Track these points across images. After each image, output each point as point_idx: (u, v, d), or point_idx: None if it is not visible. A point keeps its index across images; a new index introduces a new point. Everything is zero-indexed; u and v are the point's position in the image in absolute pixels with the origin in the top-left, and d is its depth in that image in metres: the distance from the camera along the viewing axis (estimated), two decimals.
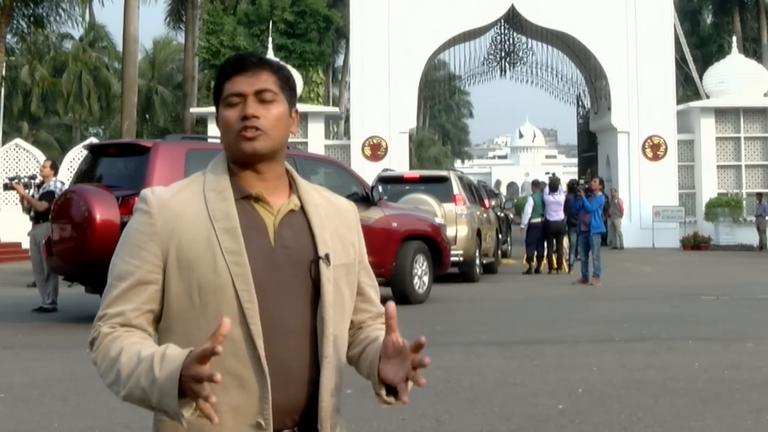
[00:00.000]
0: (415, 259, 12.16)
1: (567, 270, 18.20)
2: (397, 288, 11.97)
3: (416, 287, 12.20)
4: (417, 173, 17.48)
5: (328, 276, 1.82)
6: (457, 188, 15.78)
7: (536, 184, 19.07)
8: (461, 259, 15.24)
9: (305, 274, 1.82)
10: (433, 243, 12.55)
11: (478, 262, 16.31)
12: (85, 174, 10.31)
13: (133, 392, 1.65)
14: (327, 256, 1.82)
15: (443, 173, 16.95)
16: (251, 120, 1.79)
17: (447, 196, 15.46)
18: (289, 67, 1.96)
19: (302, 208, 1.87)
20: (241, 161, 1.84)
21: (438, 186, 15.77)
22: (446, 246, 12.91)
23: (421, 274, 12.31)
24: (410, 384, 1.76)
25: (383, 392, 1.79)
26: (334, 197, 1.97)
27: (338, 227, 1.90)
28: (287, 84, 1.87)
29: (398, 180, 16.21)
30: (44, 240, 10.73)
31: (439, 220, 13.45)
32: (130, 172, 9.79)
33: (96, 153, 10.64)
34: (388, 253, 11.72)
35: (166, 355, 1.63)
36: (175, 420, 1.62)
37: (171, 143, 9.94)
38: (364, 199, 11.59)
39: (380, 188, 12.38)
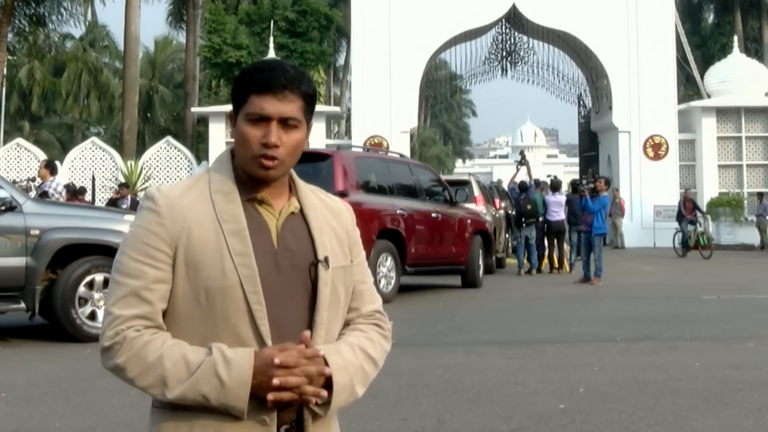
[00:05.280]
0: (479, 250, 14.24)
1: (568, 269, 18.20)
2: (469, 274, 14.09)
3: (480, 274, 14.39)
4: (441, 177, 18.34)
5: (326, 279, 1.83)
6: (477, 191, 17.58)
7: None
8: None
9: (305, 276, 1.83)
10: (486, 237, 14.77)
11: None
12: None
13: (187, 395, 1.72)
14: (326, 259, 1.84)
15: (465, 178, 18.70)
16: (272, 150, 1.79)
17: (469, 198, 17.07)
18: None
19: (301, 211, 1.88)
20: (252, 177, 1.84)
21: (460, 189, 17.01)
22: (494, 240, 15.50)
23: (481, 263, 14.45)
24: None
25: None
26: (329, 199, 1.97)
27: (336, 229, 1.91)
28: (310, 106, 1.85)
29: None
30: None
31: (488, 217, 15.75)
32: (315, 177, 10.45)
33: None
34: (466, 245, 13.81)
35: (230, 360, 1.71)
36: (236, 415, 1.73)
37: (345, 152, 12.67)
38: (448, 199, 13.70)
39: (466, 190, 14.41)
